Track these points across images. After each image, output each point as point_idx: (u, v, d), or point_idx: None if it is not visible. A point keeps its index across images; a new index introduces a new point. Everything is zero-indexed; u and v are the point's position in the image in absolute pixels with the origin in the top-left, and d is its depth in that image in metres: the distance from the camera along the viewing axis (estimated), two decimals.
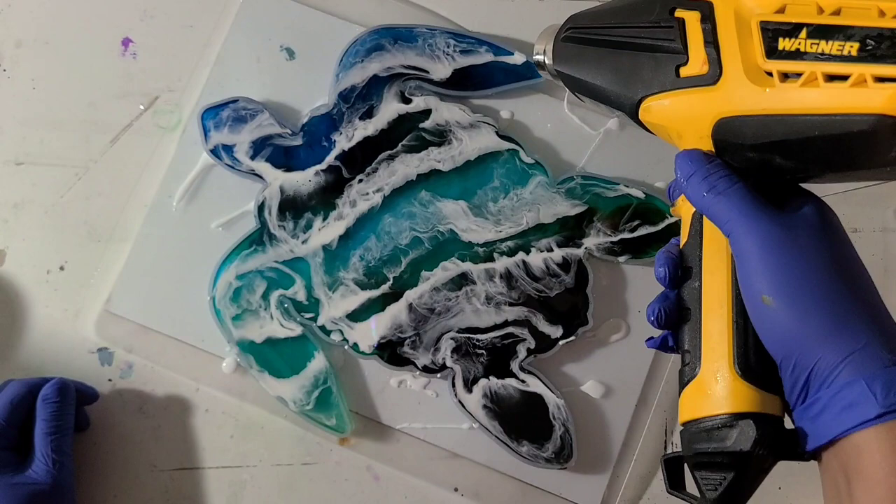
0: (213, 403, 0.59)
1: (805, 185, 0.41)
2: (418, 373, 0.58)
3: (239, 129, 0.59)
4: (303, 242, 0.59)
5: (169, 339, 0.59)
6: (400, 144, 0.59)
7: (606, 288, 0.59)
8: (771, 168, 0.39)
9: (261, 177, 0.59)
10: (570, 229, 0.59)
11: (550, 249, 0.59)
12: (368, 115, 0.60)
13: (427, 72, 0.60)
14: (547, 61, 0.49)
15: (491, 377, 0.58)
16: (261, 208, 0.59)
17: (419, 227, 0.59)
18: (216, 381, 0.59)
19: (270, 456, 0.59)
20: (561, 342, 0.58)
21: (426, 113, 0.60)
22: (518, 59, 0.60)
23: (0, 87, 0.62)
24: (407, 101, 0.60)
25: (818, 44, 0.35)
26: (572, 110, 0.61)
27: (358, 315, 0.58)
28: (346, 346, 0.58)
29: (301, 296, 0.58)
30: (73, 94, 0.62)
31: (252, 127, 0.59)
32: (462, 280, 0.58)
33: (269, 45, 0.61)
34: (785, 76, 0.37)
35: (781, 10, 0.37)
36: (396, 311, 0.58)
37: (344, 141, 0.59)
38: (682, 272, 0.42)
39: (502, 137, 0.60)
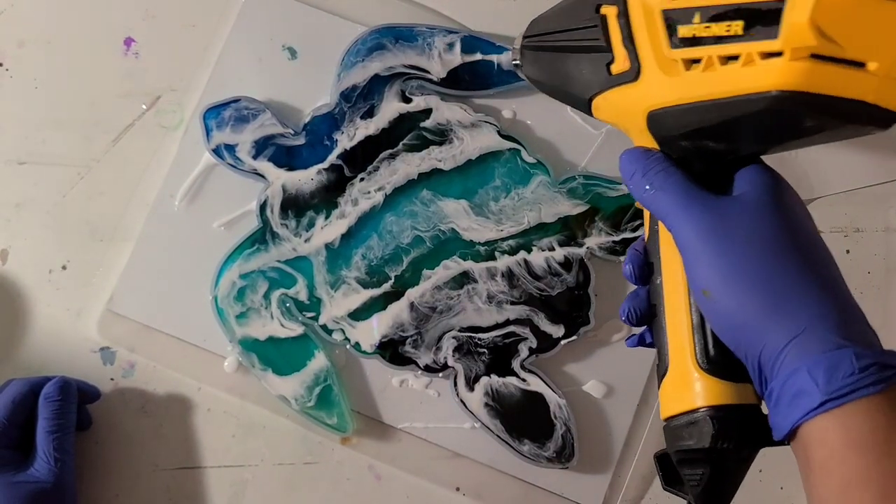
0: (214, 403, 0.59)
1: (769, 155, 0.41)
2: (420, 372, 0.58)
3: (241, 129, 0.59)
4: (305, 241, 0.59)
5: (171, 338, 0.59)
6: (401, 143, 0.59)
7: (608, 287, 0.59)
8: (709, 153, 0.39)
9: (263, 176, 0.59)
10: (571, 229, 0.59)
11: (552, 248, 0.59)
12: (370, 114, 0.60)
13: (428, 71, 0.60)
14: (520, 65, 0.50)
15: (492, 375, 0.58)
16: (262, 207, 0.59)
17: (421, 225, 0.59)
18: (218, 381, 0.59)
19: (272, 455, 0.59)
20: (563, 341, 0.58)
21: (427, 112, 0.60)
22: None
23: (2, 86, 0.62)
24: (408, 100, 0.60)
25: (710, 27, 0.35)
26: (574, 110, 0.61)
27: (360, 314, 0.58)
28: (347, 346, 0.58)
29: (303, 295, 0.59)
30: (75, 93, 0.62)
31: (254, 126, 0.59)
32: (463, 279, 0.58)
33: (270, 44, 0.61)
34: (691, 63, 0.36)
35: None
36: (398, 310, 0.58)
37: (346, 140, 0.59)
38: (649, 268, 0.41)
39: (504, 137, 0.60)
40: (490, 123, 0.60)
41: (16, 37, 0.63)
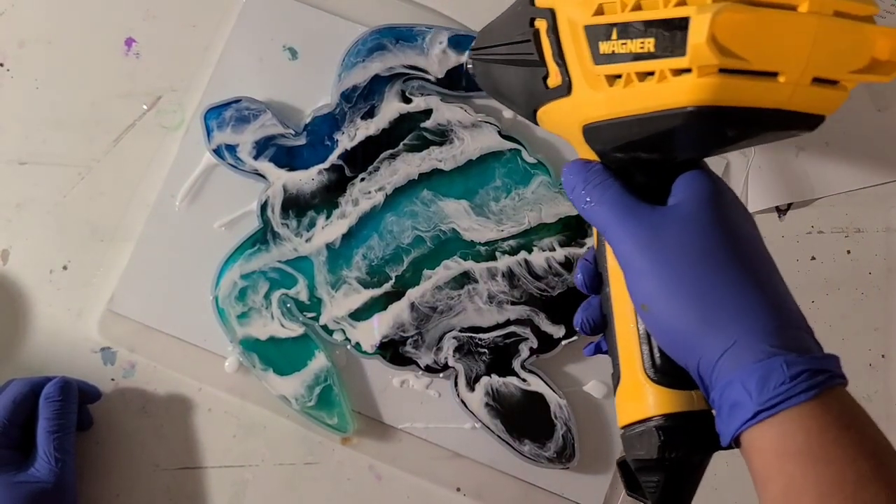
0: (215, 403, 0.59)
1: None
2: (421, 372, 0.58)
3: (242, 129, 0.59)
4: (306, 241, 0.59)
5: (171, 338, 0.59)
6: (401, 144, 0.59)
7: None
8: (646, 162, 0.39)
9: (263, 176, 0.59)
10: (572, 229, 0.59)
11: (553, 249, 0.59)
12: (370, 114, 0.60)
13: (427, 71, 0.60)
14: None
15: (493, 375, 0.58)
16: (263, 207, 0.59)
17: (421, 226, 0.59)
18: (219, 381, 0.59)
19: (273, 455, 0.59)
20: (563, 342, 0.58)
21: (427, 112, 0.60)
22: None
23: (3, 86, 0.62)
24: (408, 100, 0.60)
25: (626, 43, 0.35)
26: None
27: (361, 314, 0.58)
28: (348, 346, 0.58)
29: (303, 295, 0.59)
30: (76, 93, 0.62)
31: (255, 127, 0.59)
32: (464, 279, 0.58)
33: (271, 44, 0.61)
34: (614, 79, 0.37)
35: (600, 12, 0.37)
36: (399, 310, 0.58)
37: (346, 140, 0.59)
38: (599, 278, 0.42)
39: (504, 137, 0.60)
40: (490, 124, 0.60)
41: (17, 37, 0.63)
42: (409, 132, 0.60)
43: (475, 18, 0.62)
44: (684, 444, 0.37)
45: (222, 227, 0.60)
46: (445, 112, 0.60)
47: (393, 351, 0.58)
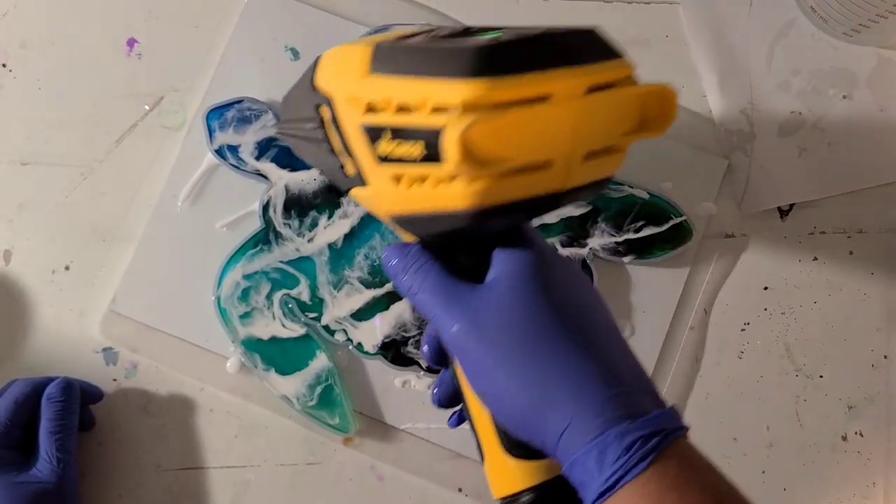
0: (217, 403, 0.59)
1: None
2: (422, 373, 0.58)
3: (244, 130, 0.59)
4: (308, 241, 0.59)
5: (173, 338, 0.59)
6: None
7: (610, 288, 0.59)
8: (461, 241, 0.38)
9: (265, 177, 0.59)
10: (574, 229, 0.59)
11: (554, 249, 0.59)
12: None
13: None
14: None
15: None
16: (265, 207, 0.59)
17: None
18: (220, 381, 0.59)
19: (274, 456, 0.59)
20: None
21: None
22: None
23: (5, 87, 0.62)
24: None
25: (400, 145, 0.34)
26: None
27: (362, 314, 0.58)
28: (350, 347, 0.58)
29: (305, 295, 0.59)
30: (78, 94, 0.62)
31: (257, 127, 0.59)
32: None
33: (273, 45, 0.61)
34: (397, 179, 0.35)
35: (372, 109, 0.35)
36: (400, 310, 0.58)
37: None
38: (445, 352, 0.40)
39: None
40: None
41: (19, 37, 0.63)
42: None
43: (476, 19, 0.62)
44: None
45: (224, 227, 0.60)
46: None
47: (395, 351, 0.58)
